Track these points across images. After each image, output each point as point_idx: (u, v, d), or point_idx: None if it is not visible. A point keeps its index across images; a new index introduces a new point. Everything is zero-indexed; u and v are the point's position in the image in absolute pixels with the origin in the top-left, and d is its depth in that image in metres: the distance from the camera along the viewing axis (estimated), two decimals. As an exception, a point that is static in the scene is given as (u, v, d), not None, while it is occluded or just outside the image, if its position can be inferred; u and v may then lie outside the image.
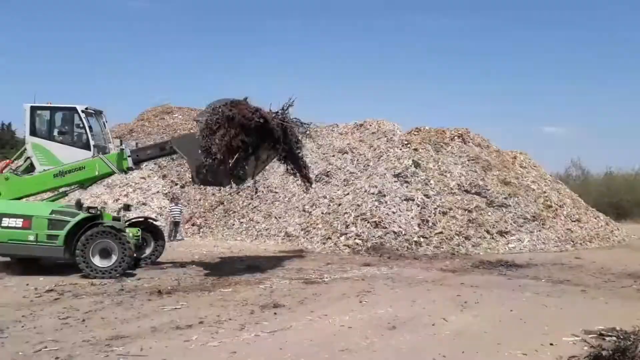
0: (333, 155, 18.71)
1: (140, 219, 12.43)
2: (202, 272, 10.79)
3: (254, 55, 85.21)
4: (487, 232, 14.85)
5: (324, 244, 14.55)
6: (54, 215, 10.34)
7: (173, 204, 17.43)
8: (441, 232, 14.51)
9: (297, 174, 11.80)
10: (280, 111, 10.64)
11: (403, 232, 14.40)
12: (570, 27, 66.83)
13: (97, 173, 10.92)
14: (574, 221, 16.78)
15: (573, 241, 15.65)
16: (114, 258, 10.09)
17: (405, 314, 7.28)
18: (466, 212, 15.27)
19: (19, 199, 10.88)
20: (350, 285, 9.49)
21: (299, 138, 11.33)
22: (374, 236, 14.31)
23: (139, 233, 11.23)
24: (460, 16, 72.72)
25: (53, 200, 11.53)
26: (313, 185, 13.01)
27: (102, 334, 6.25)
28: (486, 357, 5.53)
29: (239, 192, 18.78)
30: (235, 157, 10.09)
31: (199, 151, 9.80)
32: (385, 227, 14.59)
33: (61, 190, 11.51)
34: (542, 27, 69.53)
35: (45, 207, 10.77)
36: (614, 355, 4.70)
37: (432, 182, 16.19)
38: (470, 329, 6.56)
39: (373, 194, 15.81)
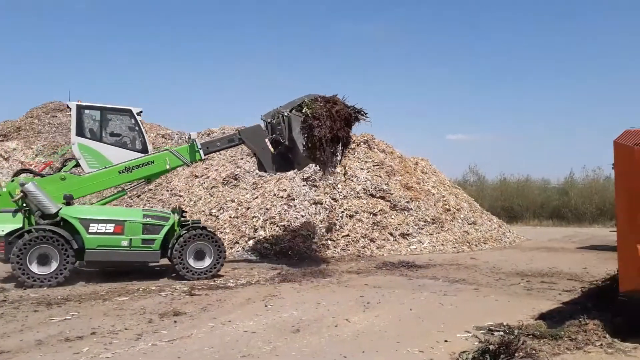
0: (242, 158, 18.47)
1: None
2: (97, 280, 10.16)
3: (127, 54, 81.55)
4: (391, 234, 15.37)
5: (231, 248, 14.28)
6: (148, 219, 10.25)
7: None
8: (348, 235, 14.81)
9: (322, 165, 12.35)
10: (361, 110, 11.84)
11: (311, 236, 14.52)
12: (472, 39, 71.38)
13: (168, 167, 10.91)
14: (470, 224, 17.82)
15: (469, 242, 16.62)
16: (208, 260, 10.42)
17: (310, 317, 7.32)
18: (371, 215, 15.72)
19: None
20: (256, 290, 9.38)
21: None
22: (282, 240, 14.29)
23: None
24: (369, 21, 75.12)
25: (103, 203, 11.29)
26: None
27: (-23, 350, 5.68)
28: (385, 356, 5.68)
29: (139, 195, 17.99)
30: (340, 145, 11.58)
31: (302, 138, 11.13)
32: (294, 231, 14.64)
33: (121, 187, 11.28)
34: (445, 40, 73.62)
35: (135, 211, 10.94)
36: (499, 349, 5.02)
37: (339, 186, 16.51)
38: (371, 329, 6.73)
39: (282, 197, 15.81)
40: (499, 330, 6.39)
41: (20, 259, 9.27)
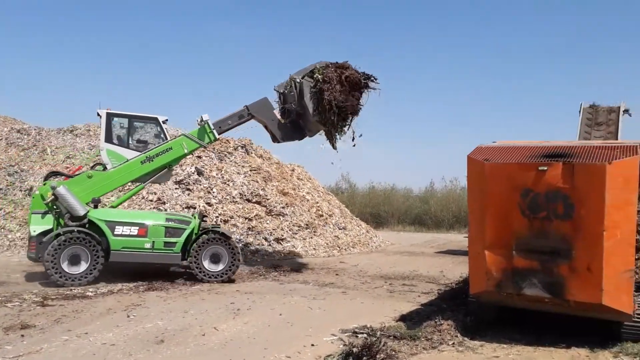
0: (108, 158, 17.31)
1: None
2: None
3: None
4: (265, 239, 15.38)
5: (92, 254, 13.28)
6: (170, 222, 10.63)
7: None
8: (221, 240, 14.52)
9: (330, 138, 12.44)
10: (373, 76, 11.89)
11: (182, 241, 13.99)
12: (347, 49, 74.09)
13: (185, 151, 11.24)
14: (341, 229, 18.47)
15: (339, 247, 17.20)
16: (223, 263, 10.67)
17: (176, 326, 7.03)
18: (247, 220, 15.60)
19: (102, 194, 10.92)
20: (118, 299, 8.80)
21: None
22: (150, 245, 13.58)
23: None
24: (241, 23, 74.59)
25: (126, 198, 11.81)
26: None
27: None
28: (252, 363, 5.63)
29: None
30: (351, 108, 11.57)
31: (312, 103, 11.42)
32: (163, 236, 14.00)
33: (143, 182, 11.25)
34: (320, 49, 75.58)
35: (158, 215, 11.22)
36: (362, 351, 5.22)
37: (214, 190, 16.17)
38: (239, 336, 6.64)
39: (152, 200, 15.07)
40: (363, 333, 6.65)
41: (54, 259, 9.67)
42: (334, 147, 12.91)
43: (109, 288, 9.77)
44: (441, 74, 69.83)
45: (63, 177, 11.14)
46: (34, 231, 10.09)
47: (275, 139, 12.56)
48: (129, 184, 11.47)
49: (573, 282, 5.93)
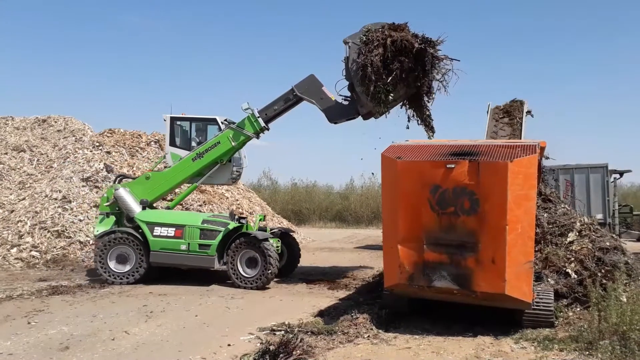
0: (6, 153, 16.10)
1: (276, 230, 11.66)
2: None
3: None
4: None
5: (-13, 257, 12.27)
6: (206, 224, 10.53)
7: None
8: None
9: (420, 121, 10.76)
10: (434, 41, 9.76)
11: (91, 242, 13.25)
12: (272, 47, 73.64)
13: (233, 144, 10.96)
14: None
15: (259, 245, 17.03)
16: (257, 269, 10.17)
17: (83, 332, 6.65)
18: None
19: (162, 194, 11.34)
20: (17, 305, 8.19)
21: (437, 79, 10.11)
22: (55, 247, 12.76)
23: (279, 244, 11.10)
24: (173, 17, 72.00)
25: (181, 198, 12.19)
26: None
27: None
28: (165, 367, 5.44)
29: None
30: (390, 78, 9.72)
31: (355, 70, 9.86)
32: (70, 237, 13.19)
33: (195, 181, 11.30)
34: (243, 46, 74.56)
35: (196, 217, 11.13)
36: (279, 349, 5.20)
37: (126, 187, 15.44)
38: (152, 339, 6.39)
39: (56, 199, 14.13)
40: (280, 330, 6.63)
41: (102, 257, 10.30)
42: (429, 134, 10.88)
43: (7, 293, 9.07)
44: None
45: (130, 179, 11.56)
46: (97, 231, 10.83)
47: (331, 119, 11.14)
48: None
49: (479, 273, 6.24)
